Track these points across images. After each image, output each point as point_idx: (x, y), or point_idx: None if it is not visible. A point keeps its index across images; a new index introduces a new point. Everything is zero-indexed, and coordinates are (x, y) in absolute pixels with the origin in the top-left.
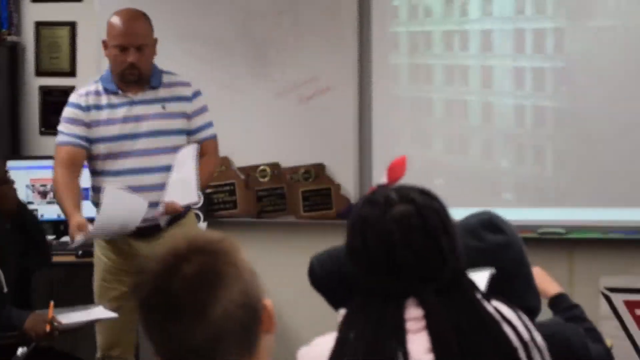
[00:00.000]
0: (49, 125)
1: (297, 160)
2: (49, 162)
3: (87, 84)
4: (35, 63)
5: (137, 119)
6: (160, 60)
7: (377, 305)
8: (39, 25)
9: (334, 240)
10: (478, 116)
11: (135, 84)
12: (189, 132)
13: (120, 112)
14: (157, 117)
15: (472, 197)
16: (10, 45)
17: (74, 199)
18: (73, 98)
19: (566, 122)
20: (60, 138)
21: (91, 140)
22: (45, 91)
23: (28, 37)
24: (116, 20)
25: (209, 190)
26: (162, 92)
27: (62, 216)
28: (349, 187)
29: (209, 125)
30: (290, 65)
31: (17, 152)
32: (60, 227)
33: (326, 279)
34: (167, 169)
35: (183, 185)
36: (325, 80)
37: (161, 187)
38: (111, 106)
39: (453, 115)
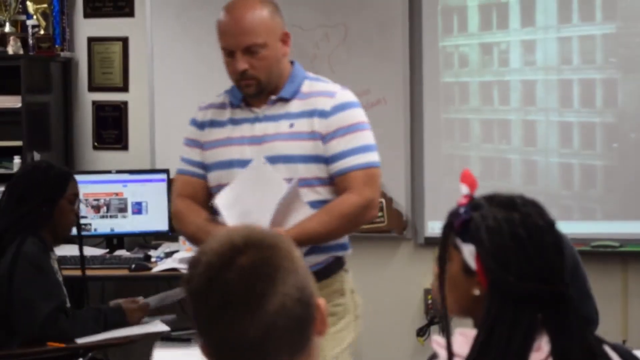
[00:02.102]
0: (102, 140)
1: None
2: (102, 177)
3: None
4: (88, 78)
5: (258, 140)
6: (204, 72)
7: (516, 312)
8: (92, 40)
9: (386, 253)
10: (520, 176)
11: (259, 96)
12: (327, 160)
13: (240, 130)
14: (280, 137)
15: None
16: (64, 60)
17: (204, 215)
18: (195, 113)
19: (618, 183)
20: (179, 165)
21: (206, 167)
22: (98, 106)
23: (81, 53)
24: (221, 15)
25: None
26: (295, 105)
27: (115, 229)
28: (401, 200)
29: (358, 151)
30: (340, 78)
31: (71, 166)
32: (113, 240)
33: None
34: None
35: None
36: (376, 94)
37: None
38: (232, 122)
39: (493, 175)
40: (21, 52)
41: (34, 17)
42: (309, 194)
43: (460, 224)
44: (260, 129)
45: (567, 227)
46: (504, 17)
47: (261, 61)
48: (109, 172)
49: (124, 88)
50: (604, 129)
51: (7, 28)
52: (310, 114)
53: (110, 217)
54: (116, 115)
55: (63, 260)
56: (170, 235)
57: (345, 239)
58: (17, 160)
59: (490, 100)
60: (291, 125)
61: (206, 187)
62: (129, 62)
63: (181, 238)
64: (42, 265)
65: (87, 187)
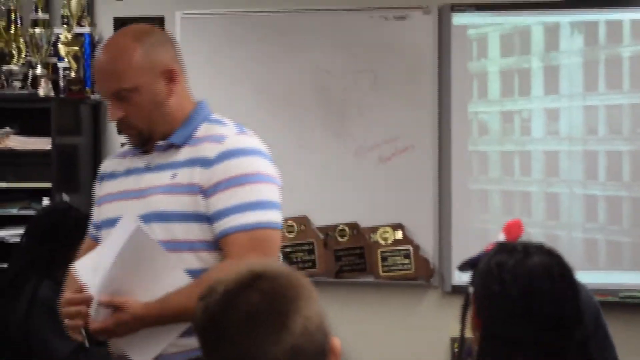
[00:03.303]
0: None
1: (376, 220)
2: None
3: None
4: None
5: (141, 193)
6: (237, 118)
7: (507, 354)
8: None
9: (413, 300)
10: None
11: (147, 145)
12: (210, 219)
13: (129, 182)
14: (159, 190)
15: None
16: (94, 103)
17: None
18: None
19: None
20: None
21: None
22: None
23: None
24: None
25: (287, 249)
26: (183, 153)
27: None
28: (428, 248)
29: (243, 208)
30: (369, 124)
31: None
32: None
33: None
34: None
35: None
36: (405, 140)
37: None
38: (125, 173)
39: None
40: (52, 94)
41: (65, 59)
42: (191, 261)
43: (469, 268)
44: (146, 180)
45: (594, 277)
46: (527, 83)
47: (135, 107)
48: None
49: None
50: (632, 203)
51: (39, 70)
52: (193, 162)
53: None
54: None
55: None
56: None
57: None
58: (46, 201)
59: (510, 171)
60: (173, 176)
61: None
62: None
63: None
64: (57, 309)
65: None
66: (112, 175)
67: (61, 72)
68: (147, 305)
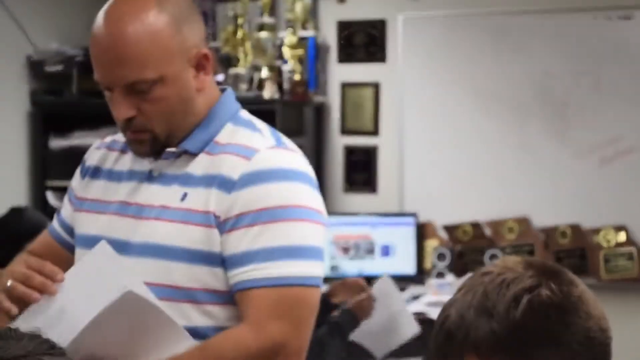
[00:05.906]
0: (352, 182)
1: (598, 222)
2: (351, 219)
3: None
4: (341, 122)
5: (137, 211)
6: (454, 118)
7: None
8: (345, 85)
9: (637, 303)
10: None
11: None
12: (225, 262)
13: (120, 191)
14: (163, 215)
15: None
16: (317, 104)
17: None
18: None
19: None
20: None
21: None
22: (349, 150)
23: (334, 97)
24: (95, 22)
25: (507, 250)
26: (201, 163)
27: (363, 271)
28: None
29: (272, 255)
30: (590, 125)
31: None
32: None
33: None
34: None
35: None
36: (628, 142)
37: None
38: (109, 176)
39: None
40: (277, 96)
41: (290, 62)
42: (193, 315)
43: None
44: (147, 193)
45: None
46: None
47: (155, 105)
48: (358, 214)
49: (375, 132)
50: None
51: (264, 73)
52: (211, 180)
53: (359, 259)
54: (366, 159)
55: None
56: (417, 278)
57: None
58: None
59: None
60: (184, 197)
61: (65, 257)
62: (380, 107)
63: (428, 282)
64: None
65: (337, 229)
66: (97, 173)
67: (286, 75)
68: None
